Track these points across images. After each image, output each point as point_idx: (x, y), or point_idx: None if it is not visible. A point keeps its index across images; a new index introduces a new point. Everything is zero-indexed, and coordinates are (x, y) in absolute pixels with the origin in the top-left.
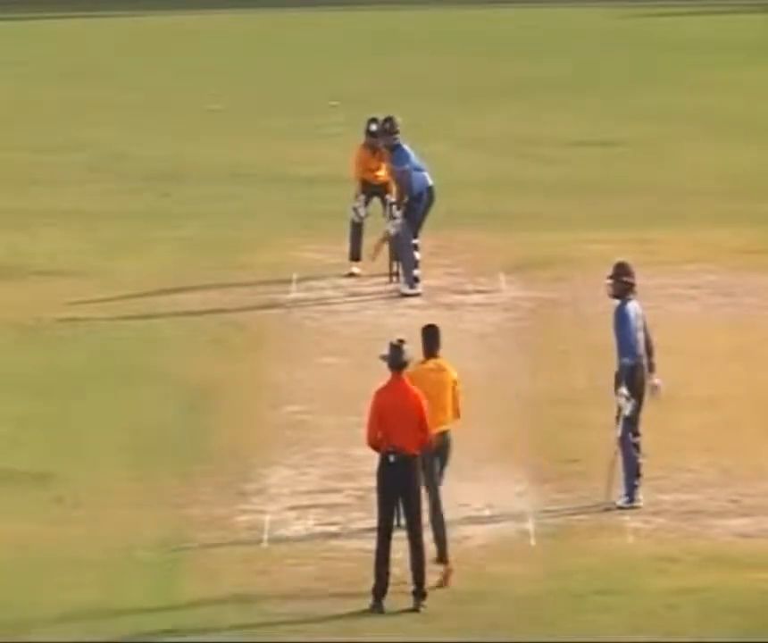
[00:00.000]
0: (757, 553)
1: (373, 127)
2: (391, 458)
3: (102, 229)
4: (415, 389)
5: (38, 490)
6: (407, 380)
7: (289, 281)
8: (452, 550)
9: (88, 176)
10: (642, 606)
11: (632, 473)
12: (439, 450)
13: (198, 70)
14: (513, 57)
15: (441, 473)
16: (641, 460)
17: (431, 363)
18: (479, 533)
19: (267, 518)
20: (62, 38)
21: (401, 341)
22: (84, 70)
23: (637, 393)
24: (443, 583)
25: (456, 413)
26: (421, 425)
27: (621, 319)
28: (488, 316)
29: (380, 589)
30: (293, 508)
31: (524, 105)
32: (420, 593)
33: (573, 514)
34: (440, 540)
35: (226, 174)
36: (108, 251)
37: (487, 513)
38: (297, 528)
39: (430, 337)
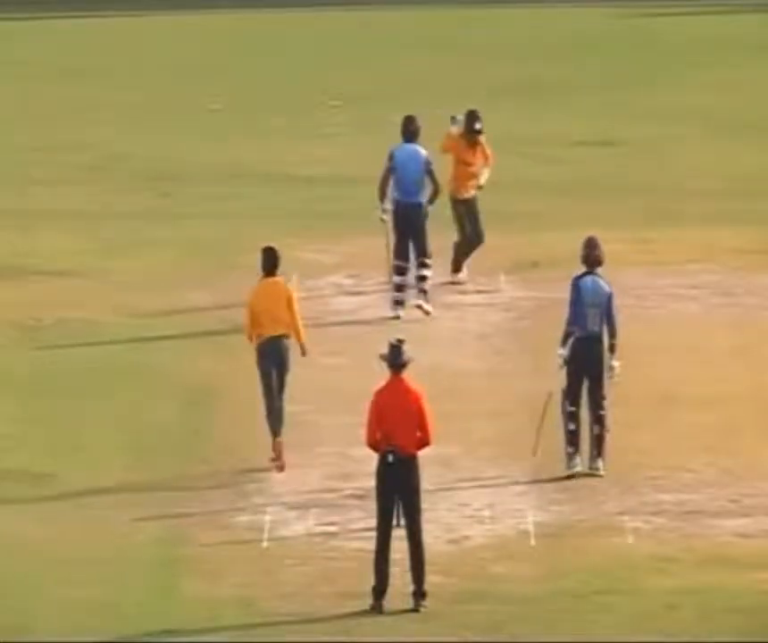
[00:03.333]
0: (757, 553)
1: (478, 126)
2: (390, 458)
3: (102, 229)
4: (415, 388)
5: (38, 490)
6: (406, 379)
7: (289, 281)
8: (452, 550)
9: (88, 176)
10: (642, 606)
11: (565, 440)
12: (277, 354)
13: (198, 70)
14: (513, 57)
15: (282, 381)
16: (572, 427)
17: (269, 280)
18: (479, 533)
19: (267, 518)
20: (62, 38)
21: (400, 341)
22: (84, 70)
23: (580, 366)
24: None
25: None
26: (421, 424)
27: (571, 291)
28: (488, 316)
29: (380, 589)
30: (293, 508)
31: (524, 105)
32: (420, 593)
33: (573, 514)
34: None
35: (226, 174)
36: (108, 251)
37: (487, 513)
38: (297, 528)
39: (268, 257)
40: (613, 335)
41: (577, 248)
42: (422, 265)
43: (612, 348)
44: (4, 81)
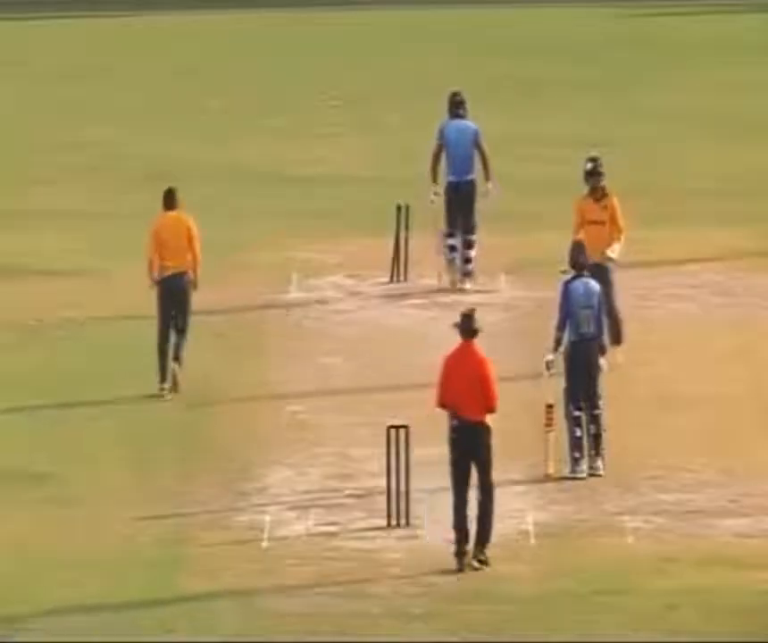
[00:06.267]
0: (757, 553)
1: (590, 165)
2: (455, 422)
3: (102, 229)
4: (481, 356)
5: (38, 490)
6: (476, 348)
7: (289, 281)
8: (452, 551)
9: (88, 176)
10: (642, 606)
11: (571, 446)
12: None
13: (198, 70)
14: (513, 57)
15: (184, 320)
16: (579, 433)
17: (172, 214)
18: None
19: (267, 518)
20: (62, 38)
21: (472, 310)
22: (84, 70)
23: (578, 368)
24: None
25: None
26: (485, 391)
27: (561, 295)
28: (488, 316)
29: (461, 543)
30: (293, 508)
31: (524, 105)
32: (481, 545)
33: (573, 514)
34: None
35: (226, 174)
36: (108, 251)
37: None
38: (297, 528)
39: (169, 196)
40: (602, 333)
41: None
42: (468, 245)
43: (601, 348)
44: (4, 81)
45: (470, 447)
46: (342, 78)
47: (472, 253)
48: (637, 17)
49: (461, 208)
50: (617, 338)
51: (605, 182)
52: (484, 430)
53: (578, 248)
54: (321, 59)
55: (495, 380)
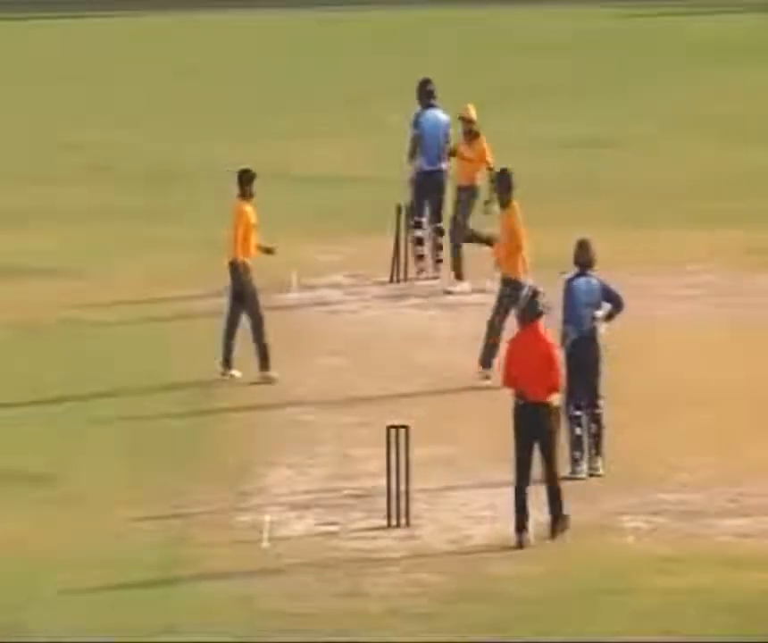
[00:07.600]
0: (757, 553)
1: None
2: (519, 402)
3: (102, 229)
4: (546, 337)
5: (38, 490)
6: (541, 328)
7: (289, 281)
8: (452, 550)
9: (88, 176)
10: (642, 606)
11: (571, 445)
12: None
13: (198, 71)
14: (513, 57)
15: (248, 315)
16: (579, 432)
17: (234, 201)
18: (479, 533)
19: (267, 518)
20: (63, 38)
21: (535, 292)
22: (85, 70)
23: (578, 367)
24: None
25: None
26: (550, 371)
27: (564, 292)
28: (488, 316)
29: (521, 522)
30: (293, 508)
31: (524, 106)
32: (555, 520)
33: (573, 514)
34: None
35: (226, 174)
36: (108, 251)
37: (487, 513)
38: (297, 528)
39: (246, 178)
40: (619, 307)
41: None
42: (440, 233)
43: (609, 317)
44: (4, 81)
45: (533, 429)
46: (342, 78)
47: (443, 239)
48: (637, 17)
49: (431, 196)
50: (487, 361)
51: (509, 196)
52: (548, 410)
53: (582, 246)
54: (321, 59)
55: (559, 361)
